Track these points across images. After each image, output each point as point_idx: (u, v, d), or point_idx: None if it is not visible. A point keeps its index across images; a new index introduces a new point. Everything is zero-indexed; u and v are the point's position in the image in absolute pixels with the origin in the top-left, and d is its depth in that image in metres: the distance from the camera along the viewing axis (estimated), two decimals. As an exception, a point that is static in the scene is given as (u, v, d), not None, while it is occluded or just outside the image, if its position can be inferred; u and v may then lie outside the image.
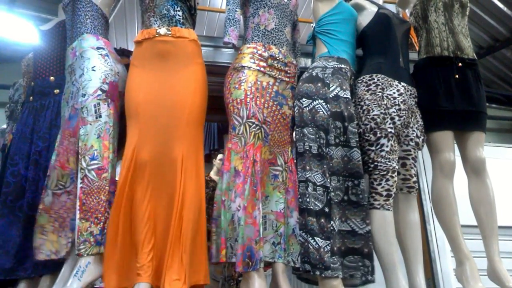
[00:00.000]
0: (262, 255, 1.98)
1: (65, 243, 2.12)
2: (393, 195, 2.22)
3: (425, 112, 2.45)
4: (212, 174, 4.88)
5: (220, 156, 5.08)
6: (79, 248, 1.99)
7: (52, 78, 2.48)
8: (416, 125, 2.41)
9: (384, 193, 2.20)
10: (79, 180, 2.06)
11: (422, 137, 2.42)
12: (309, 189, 2.11)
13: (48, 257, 2.08)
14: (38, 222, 2.14)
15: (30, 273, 2.19)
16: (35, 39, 4.97)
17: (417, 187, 2.37)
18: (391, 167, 2.22)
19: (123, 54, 2.56)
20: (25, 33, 4.83)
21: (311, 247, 2.02)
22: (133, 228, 2.00)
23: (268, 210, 2.20)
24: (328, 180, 2.11)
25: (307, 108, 2.22)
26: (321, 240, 2.02)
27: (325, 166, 2.13)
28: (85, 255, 1.98)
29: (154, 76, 2.17)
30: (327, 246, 2.01)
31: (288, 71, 2.32)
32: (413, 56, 2.69)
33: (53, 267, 2.18)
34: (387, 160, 2.22)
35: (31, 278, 2.24)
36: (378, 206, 2.19)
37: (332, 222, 2.06)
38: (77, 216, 2.02)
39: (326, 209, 2.07)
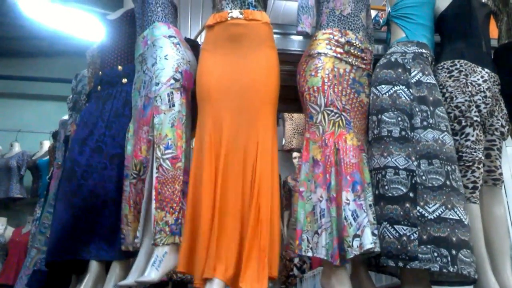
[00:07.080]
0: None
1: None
2: (479, 187, 2.11)
3: (508, 101, 2.31)
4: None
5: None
6: (155, 237, 1.98)
7: (120, 67, 2.46)
8: (501, 114, 2.28)
9: (470, 185, 2.09)
10: (154, 170, 2.05)
11: (507, 127, 2.29)
12: (387, 176, 1.98)
13: (135, 245, 2.08)
14: (123, 212, 2.16)
15: (93, 256, 2.15)
16: (89, 33, 5.03)
17: (503, 179, 2.25)
18: (477, 158, 2.10)
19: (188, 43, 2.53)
20: (78, 26, 4.90)
21: (390, 237, 1.90)
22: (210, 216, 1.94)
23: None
24: (414, 163, 1.96)
25: (386, 94, 2.10)
26: (404, 228, 1.88)
27: (409, 149, 1.99)
28: (161, 244, 1.97)
29: (226, 59, 2.13)
30: (414, 234, 1.86)
31: (365, 58, 2.23)
32: (493, 42, 2.54)
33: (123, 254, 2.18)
34: (473, 150, 2.11)
35: (101, 264, 2.20)
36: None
37: (418, 208, 1.91)
38: (153, 205, 2.01)
39: (411, 194, 1.93)
